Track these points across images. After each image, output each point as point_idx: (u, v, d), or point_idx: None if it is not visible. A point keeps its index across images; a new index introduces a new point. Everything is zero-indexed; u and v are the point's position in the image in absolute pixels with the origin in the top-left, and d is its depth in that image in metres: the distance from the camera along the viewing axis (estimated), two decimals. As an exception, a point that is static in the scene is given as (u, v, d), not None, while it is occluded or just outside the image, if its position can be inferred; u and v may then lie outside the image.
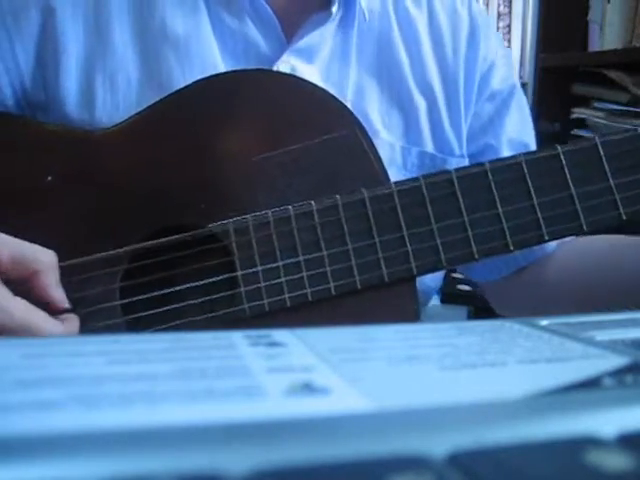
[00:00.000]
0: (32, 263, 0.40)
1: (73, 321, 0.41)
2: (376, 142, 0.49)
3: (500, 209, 0.46)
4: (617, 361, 0.17)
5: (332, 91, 0.49)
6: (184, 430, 0.12)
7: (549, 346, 0.19)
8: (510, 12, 1.81)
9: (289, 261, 0.45)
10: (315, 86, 0.49)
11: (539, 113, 1.37)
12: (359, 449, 0.12)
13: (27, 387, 0.14)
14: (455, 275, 1.29)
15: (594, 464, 0.11)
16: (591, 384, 0.16)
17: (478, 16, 0.61)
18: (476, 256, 0.46)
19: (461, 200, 0.46)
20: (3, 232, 0.40)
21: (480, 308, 1.45)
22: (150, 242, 0.46)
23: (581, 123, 1.46)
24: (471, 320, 1.41)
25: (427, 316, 0.64)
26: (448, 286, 1.43)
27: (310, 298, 0.45)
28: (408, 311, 0.47)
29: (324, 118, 0.48)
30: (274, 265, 0.45)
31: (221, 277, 0.46)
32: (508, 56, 0.65)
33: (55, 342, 0.19)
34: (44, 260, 0.40)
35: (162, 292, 0.45)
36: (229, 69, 0.51)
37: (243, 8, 0.53)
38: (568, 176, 0.47)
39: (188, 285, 0.46)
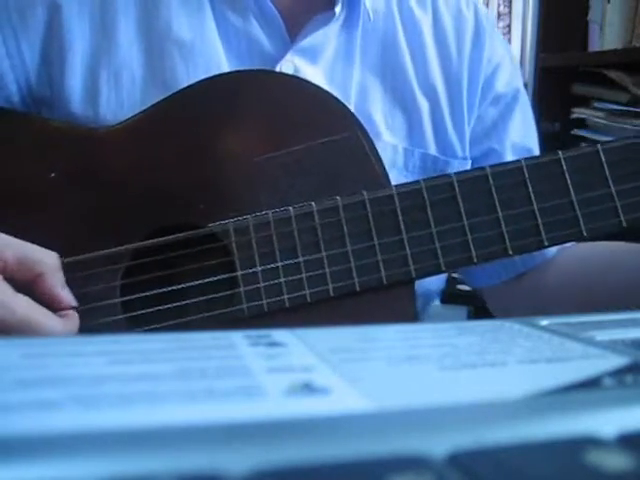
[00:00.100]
0: (36, 265, 0.40)
1: (73, 318, 0.41)
2: (378, 143, 0.49)
3: (500, 214, 0.46)
4: (617, 361, 0.17)
5: (335, 91, 0.49)
6: (184, 430, 0.12)
7: (549, 346, 0.19)
8: (510, 12, 1.81)
9: (289, 262, 0.45)
10: (318, 87, 0.49)
11: (539, 113, 1.37)
12: (359, 449, 0.12)
13: (27, 387, 0.14)
14: (455, 275, 1.29)
15: (594, 464, 0.11)
16: (591, 384, 0.16)
17: (483, 18, 0.61)
18: (475, 260, 0.46)
19: (461, 204, 0.46)
20: (5, 229, 0.40)
21: (480, 308, 1.45)
22: (151, 241, 0.46)
23: (581, 123, 1.45)
24: (471, 320, 1.41)
25: (427, 316, 0.63)
26: (448, 286, 1.42)
27: (309, 299, 0.45)
28: (406, 314, 0.47)
29: (326, 120, 0.48)
30: (274, 265, 0.45)
31: (221, 277, 0.46)
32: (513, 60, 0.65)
33: (55, 342, 0.19)
34: (48, 262, 0.41)
35: (162, 290, 0.45)
36: (233, 68, 0.51)
37: (248, 7, 0.53)
38: (569, 182, 0.47)
39: (188, 284, 0.46)
